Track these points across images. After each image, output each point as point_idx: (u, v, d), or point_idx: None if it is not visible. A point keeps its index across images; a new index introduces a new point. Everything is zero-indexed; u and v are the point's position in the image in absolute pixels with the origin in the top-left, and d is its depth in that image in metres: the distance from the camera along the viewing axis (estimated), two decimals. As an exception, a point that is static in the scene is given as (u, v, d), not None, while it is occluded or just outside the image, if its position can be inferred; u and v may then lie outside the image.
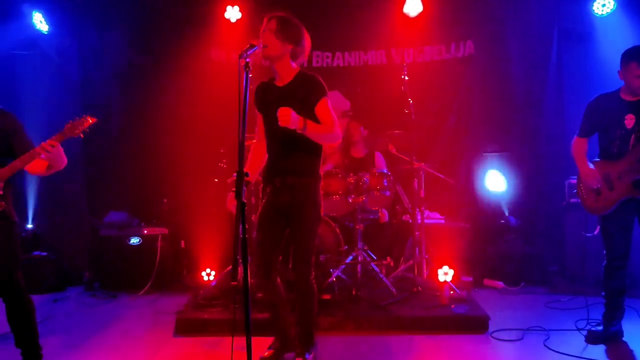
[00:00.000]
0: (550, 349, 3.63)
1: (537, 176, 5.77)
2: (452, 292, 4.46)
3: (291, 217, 3.15)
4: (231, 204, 3.06)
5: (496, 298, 5.02)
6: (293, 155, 3.11)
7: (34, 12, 5.70)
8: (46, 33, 5.83)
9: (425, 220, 5.05)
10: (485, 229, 5.72)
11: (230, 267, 4.88)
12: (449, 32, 5.94)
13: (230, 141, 5.12)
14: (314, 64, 6.03)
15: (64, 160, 3.20)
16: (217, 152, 5.27)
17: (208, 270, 5.09)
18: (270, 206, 3.19)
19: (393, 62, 6.03)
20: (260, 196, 3.31)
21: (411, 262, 4.90)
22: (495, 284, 5.32)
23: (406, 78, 4.80)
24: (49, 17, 5.80)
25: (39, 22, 5.72)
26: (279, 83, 3.14)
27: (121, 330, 4.25)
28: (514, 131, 5.78)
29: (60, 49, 6.01)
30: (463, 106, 5.99)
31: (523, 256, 5.43)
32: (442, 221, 5.60)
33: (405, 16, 5.80)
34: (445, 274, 4.51)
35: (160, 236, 5.52)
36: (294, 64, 3.12)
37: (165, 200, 5.89)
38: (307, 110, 3.00)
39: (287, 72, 3.11)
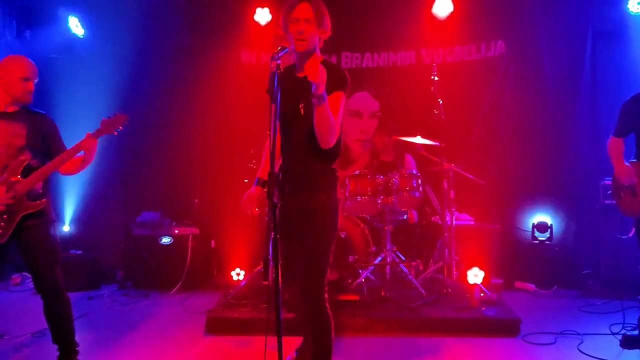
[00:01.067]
0: (585, 354, 3.57)
1: (571, 177, 5.66)
2: (482, 295, 4.41)
3: (303, 225, 2.72)
4: (246, 206, 2.84)
5: (528, 301, 4.95)
6: (307, 154, 2.67)
7: (70, 16, 5.86)
8: (81, 37, 5.98)
9: (455, 222, 5.01)
10: (517, 230, 5.64)
11: (260, 266, 4.97)
12: (480, 32, 5.88)
13: (259, 142, 5.19)
14: (343, 65, 6.02)
15: (93, 157, 3.28)
16: (246, 153, 5.32)
17: (238, 270, 5.14)
18: (280, 215, 2.53)
19: (423, 62, 5.99)
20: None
21: (440, 263, 4.87)
22: (527, 286, 5.24)
23: (436, 78, 4.78)
24: (85, 22, 5.96)
25: (75, 26, 5.88)
26: (301, 73, 2.65)
27: (154, 329, 4.32)
28: (546, 132, 5.68)
29: (94, 52, 6.16)
30: (493, 107, 5.92)
31: (556, 258, 5.33)
32: (472, 222, 5.55)
33: (435, 16, 5.76)
34: (476, 275, 4.46)
35: (191, 236, 5.60)
36: (319, 52, 2.74)
37: (196, 201, 5.97)
38: None
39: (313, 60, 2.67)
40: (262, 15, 5.89)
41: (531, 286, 5.22)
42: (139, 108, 5.79)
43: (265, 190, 2.71)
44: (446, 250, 4.84)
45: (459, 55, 5.97)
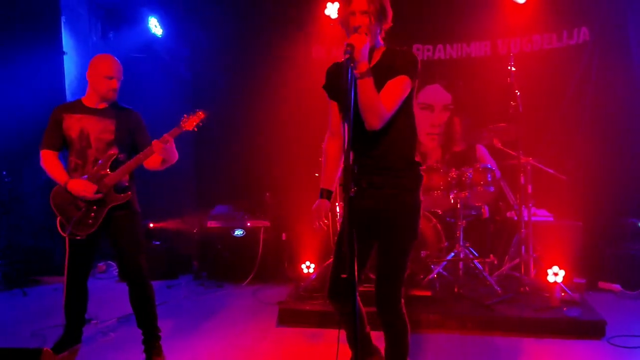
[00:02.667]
0: (678, 360, 3.34)
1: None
2: (563, 294, 4.22)
3: (380, 227, 2.53)
4: (315, 219, 2.67)
5: (613, 302, 4.68)
6: (382, 148, 2.49)
7: (150, 17, 6.12)
8: (160, 36, 6.23)
9: (532, 218, 4.81)
10: (601, 228, 5.35)
11: (331, 260, 4.99)
12: (561, 19, 5.60)
13: (322, 148, 5.20)
14: (414, 58, 5.93)
15: (175, 155, 3.37)
16: (318, 147, 5.33)
17: (308, 263, 5.19)
18: (353, 214, 2.28)
19: (498, 53, 5.80)
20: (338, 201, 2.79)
21: (517, 260, 4.70)
22: (612, 287, 4.96)
23: (513, 69, 4.60)
24: (163, 22, 6.21)
25: (154, 26, 6.14)
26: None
27: (228, 318, 4.45)
28: (633, 126, 5.34)
29: (172, 50, 6.41)
30: (575, 98, 5.63)
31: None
32: (551, 219, 5.31)
33: (512, 4, 5.55)
34: (556, 274, 4.26)
35: (262, 228, 5.71)
36: (381, 42, 2.56)
37: (267, 194, 6.08)
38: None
39: (376, 51, 2.52)
40: (333, 9, 5.89)
41: (617, 287, 4.93)
42: (212, 103, 5.97)
43: (330, 201, 2.68)
44: (523, 247, 4.66)
45: (538, 44, 5.72)
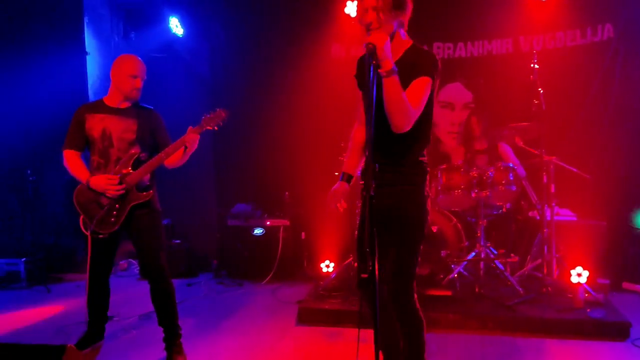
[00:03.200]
0: None
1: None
2: (587, 295, 4.15)
3: (391, 224, 2.53)
4: (331, 201, 2.66)
5: (637, 303, 4.60)
6: (400, 147, 2.50)
7: (170, 17, 6.17)
8: (181, 36, 6.28)
9: (555, 217, 4.74)
10: (625, 228, 5.25)
11: (350, 259, 4.98)
12: (585, 15, 5.50)
13: (350, 135, 5.19)
14: (435, 56, 5.89)
15: (196, 145, 3.37)
16: (337, 146, 5.34)
17: (327, 262, 5.20)
18: (373, 212, 2.39)
19: (520, 50, 5.72)
20: (360, 199, 2.69)
21: (539, 260, 4.63)
22: (636, 287, 4.87)
23: (536, 66, 4.54)
24: (184, 22, 6.26)
25: (175, 26, 6.19)
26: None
27: (248, 316, 4.46)
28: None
29: (192, 50, 6.46)
30: (600, 96, 5.53)
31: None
32: (574, 218, 5.22)
33: (535, 0, 5.47)
34: (579, 275, 4.19)
35: (282, 227, 5.72)
36: (404, 35, 2.51)
37: (287, 193, 6.09)
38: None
39: (396, 46, 2.45)
40: (353, 8, 5.87)
41: (641, 288, 4.84)
42: (232, 103, 5.97)
43: (351, 185, 2.66)
44: (545, 247, 4.60)
45: (561, 41, 5.63)
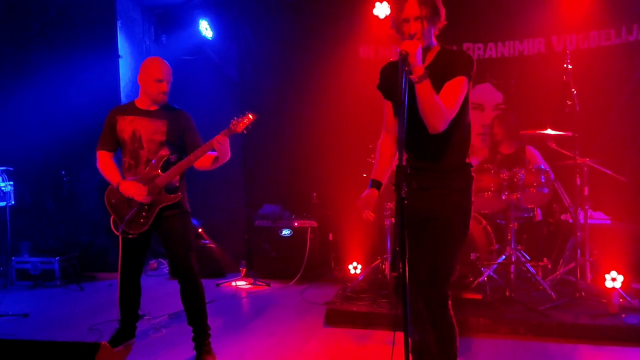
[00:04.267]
0: None
1: None
2: (621, 300, 4.04)
3: (429, 228, 2.52)
4: (361, 209, 2.68)
5: (675, 310, 4.45)
6: (435, 150, 2.50)
7: (200, 20, 6.25)
8: (210, 39, 6.36)
9: (589, 220, 4.64)
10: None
11: (378, 261, 4.97)
12: (620, 14, 5.38)
13: (377, 137, 5.17)
14: (464, 57, 5.82)
15: (228, 154, 3.42)
16: (365, 147, 5.33)
17: (355, 264, 5.19)
18: (405, 215, 2.38)
19: (553, 50, 5.62)
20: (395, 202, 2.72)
21: (572, 265, 4.54)
22: (674, 294, 4.72)
23: (569, 67, 4.45)
24: (213, 24, 6.33)
25: (205, 29, 6.27)
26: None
27: (276, 317, 4.48)
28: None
29: (221, 52, 6.53)
30: (633, 96, 5.39)
31: None
32: (608, 222, 5.10)
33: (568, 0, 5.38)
34: (614, 279, 4.09)
35: (309, 229, 5.73)
36: (434, 42, 2.53)
37: (314, 194, 6.10)
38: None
39: (428, 51, 2.50)
40: (382, 9, 5.85)
41: (678, 293, 4.69)
42: (260, 104, 6.03)
43: (380, 192, 2.66)
44: (579, 250, 4.50)
45: (595, 41, 5.51)
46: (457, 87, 2.39)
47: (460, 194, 2.52)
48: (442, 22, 2.50)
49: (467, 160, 2.58)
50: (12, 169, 5.60)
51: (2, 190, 5.16)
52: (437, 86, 2.36)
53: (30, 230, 6.09)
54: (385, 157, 2.73)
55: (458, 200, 2.51)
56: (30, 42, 6.15)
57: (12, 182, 5.57)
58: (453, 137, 2.49)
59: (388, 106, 2.72)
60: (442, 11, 2.48)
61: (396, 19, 2.45)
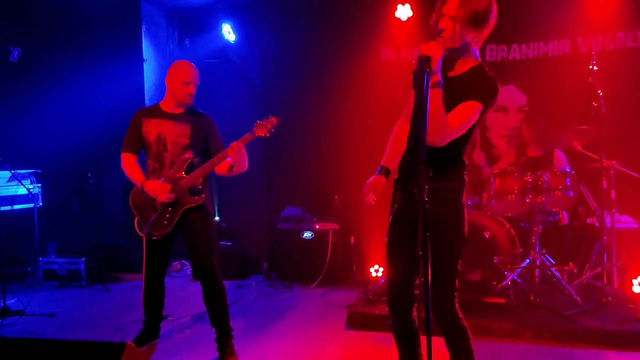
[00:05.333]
0: None
1: None
2: (650, 306, 3.96)
3: (430, 231, 2.42)
4: (367, 193, 2.62)
5: None
6: (436, 153, 2.32)
7: (223, 24, 6.30)
8: (233, 42, 6.41)
9: (616, 224, 4.55)
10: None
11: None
12: (647, 15, 5.28)
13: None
14: (487, 58, 5.77)
15: (245, 164, 3.42)
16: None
17: (376, 267, 5.17)
18: (402, 218, 2.49)
19: (578, 51, 5.54)
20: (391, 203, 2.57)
21: (599, 269, 4.46)
22: None
23: (595, 68, 4.38)
24: (236, 28, 6.38)
25: (228, 32, 6.32)
26: (450, 72, 2.42)
27: (297, 319, 4.49)
28: None
29: (243, 56, 6.57)
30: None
31: None
32: (635, 226, 5.01)
33: (594, 0, 5.29)
34: (642, 285, 4.02)
35: (331, 231, 5.73)
36: (476, 52, 2.42)
37: (336, 197, 6.10)
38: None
39: (464, 61, 2.40)
40: (403, 12, 5.84)
41: None
42: (282, 107, 6.07)
43: (387, 179, 2.62)
44: (605, 255, 4.42)
45: (621, 42, 5.42)
46: (469, 111, 2.30)
47: (458, 196, 2.46)
48: (483, 33, 2.35)
49: (459, 166, 2.48)
50: (40, 171, 5.72)
51: (31, 192, 5.27)
52: (455, 98, 2.29)
53: (56, 231, 6.21)
54: (397, 143, 2.63)
55: (455, 203, 2.45)
56: (58, 47, 6.27)
57: (40, 185, 5.69)
58: (456, 145, 2.39)
59: (412, 94, 2.53)
60: (486, 24, 2.33)
61: (436, 13, 2.37)
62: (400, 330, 2.60)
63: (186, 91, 3.46)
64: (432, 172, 2.26)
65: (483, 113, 2.35)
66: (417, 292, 2.56)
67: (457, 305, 2.48)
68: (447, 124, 2.24)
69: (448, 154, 2.41)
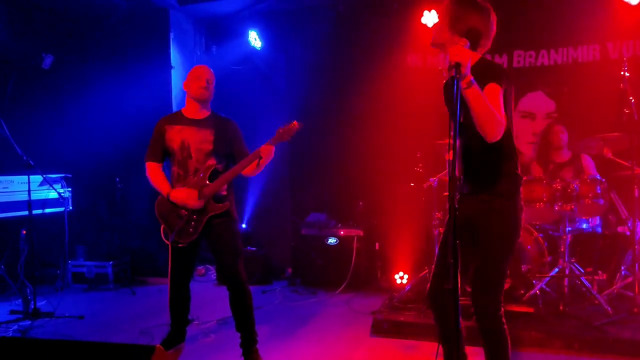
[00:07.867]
0: None
1: None
2: (684, 318, 3.86)
3: (475, 236, 2.53)
4: None
5: None
6: (480, 158, 2.51)
7: (250, 30, 6.37)
8: (259, 49, 6.47)
9: (647, 234, 4.45)
10: None
11: (425, 272, 4.91)
12: (680, 18, 5.17)
13: (426, 145, 5.14)
14: (515, 65, 5.70)
15: (269, 161, 3.45)
16: (413, 156, 5.29)
17: (401, 274, 5.15)
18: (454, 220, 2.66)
19: (608, 57, 5.44)
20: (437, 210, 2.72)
21: (630, 279, 4.36)
22: None
23: (626, 74, 4.30)
24: (262, 35, 6.44)
25: (254, 39, 6.38)
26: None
27: (322, 325, 4.49)
28: None
29: (269, 62, 6.63)
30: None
31: None
32: (668, 235, 4.88)
33: (624, 5, 5.19)
34: (675, 295, 3.91)
35: (355, 237, 5.72)
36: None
37: (360, 203, 6.08)
38: None
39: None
40: (430, 18, 5.81)
41: None
42: (307, 112, 6.09)
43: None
44: (637, 264, 4.31)
45: (654, 47, 5.32)
46: (494, 94, 2.36)
47: (505, 201, 2.50)
48: (487, 36, 2.56)
49: (512, 167, 2.54)
50: (70, 175, 5.84)
51: (62, 196, 5.37)
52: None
53: (85, 234, 6.32)
54: None
55: (502, 207, 2.50)
56: (89, 54, 6.40)
57: (70, 189, 5.80)
58: (495, 148, 2.42)
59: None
60: (491, 25, 2.54)
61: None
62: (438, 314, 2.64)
63: (198, 84, 3.48)
64: (473, 179, 2.43)
65: (506, 93, 2.43)
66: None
67: (501, 310, 2.49)
68: (495, 112, 2.28)
69: (496, 161, 2.49)
